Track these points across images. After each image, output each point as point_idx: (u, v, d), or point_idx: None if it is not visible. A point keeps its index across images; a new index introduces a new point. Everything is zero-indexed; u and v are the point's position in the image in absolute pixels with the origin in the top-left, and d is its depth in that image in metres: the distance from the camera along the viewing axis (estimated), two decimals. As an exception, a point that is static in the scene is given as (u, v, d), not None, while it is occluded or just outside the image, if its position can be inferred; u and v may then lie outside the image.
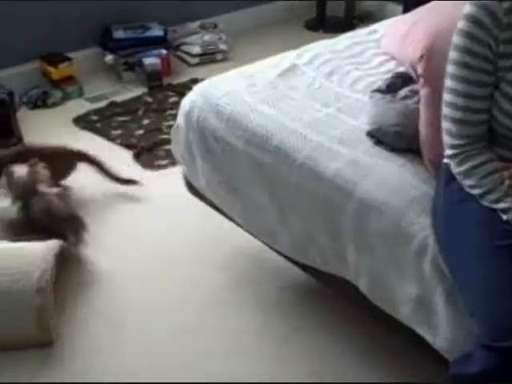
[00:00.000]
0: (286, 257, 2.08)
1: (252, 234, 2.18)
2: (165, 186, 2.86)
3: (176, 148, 2.34)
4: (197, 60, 4.01)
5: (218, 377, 1.95)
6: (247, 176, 2.02)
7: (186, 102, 2.18)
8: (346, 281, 1.85)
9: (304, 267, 2.01)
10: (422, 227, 1.61)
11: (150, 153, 3.14)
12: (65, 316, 2.15)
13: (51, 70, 3.60)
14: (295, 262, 2.04)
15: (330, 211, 1.78)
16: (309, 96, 2.08)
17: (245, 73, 2.24)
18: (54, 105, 3.56)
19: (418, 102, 1.82)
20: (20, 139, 3.21)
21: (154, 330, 2.12)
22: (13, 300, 2.01)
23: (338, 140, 1.85)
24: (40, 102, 3.54)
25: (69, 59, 3.64)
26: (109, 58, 3.80)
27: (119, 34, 3.77)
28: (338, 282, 1.89)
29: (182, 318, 2.17)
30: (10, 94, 3.20)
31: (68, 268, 2.31)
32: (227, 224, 2.30)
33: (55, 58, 3.62)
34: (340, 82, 2.15)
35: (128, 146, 3.20)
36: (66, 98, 3.61)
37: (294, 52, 2.38)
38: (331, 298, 2.13)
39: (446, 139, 1.57)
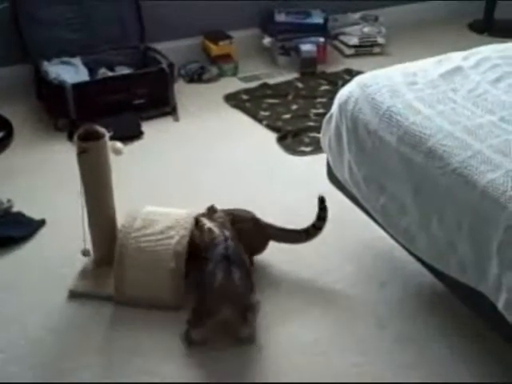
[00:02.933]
0: (419, 260, 2.03)
1: (388, 232, 2.15)
2: (305, 172, 2.88)
3: (325, 137, 2.35)
4: (352, 51, 4.00)
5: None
6: (394, 173, 1.99)
7: (344, 92, 2.18)
8: (476, 292, 1.78)
9: (434, 271, 1.96)
10: None
11: (295, 138, 3.18)
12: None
13: (212, 46, 3.74)
14: (428, 266, 1.99)
15: (478, 221, 1.71)
16: (471, 101, 2.00)
17: (406, 69, 2.20)
18: (209, 80, 3.70)
19: None
20: (174, 109, 3.37)
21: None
22: (153, 260, 2.13)
23: (498, 149, 1.77)
24: (196, 76, 3.70)
25: (229, 37, 3.75)
26: (267, 40, 3.88)
27: (281, 17, 3.85)
28: (467, 292, 1.83)
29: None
30: (171, 65, 3.35)
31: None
32: (363, 217, 2.29)
33: (217, 36, 3.76)
34: (507, 89, 2.05)
35: (274, 129, 3.26)
36: (221, 75, 3.74)
37: (459, 53, 2.31)
38: (457, 306, 2.07)
39: None
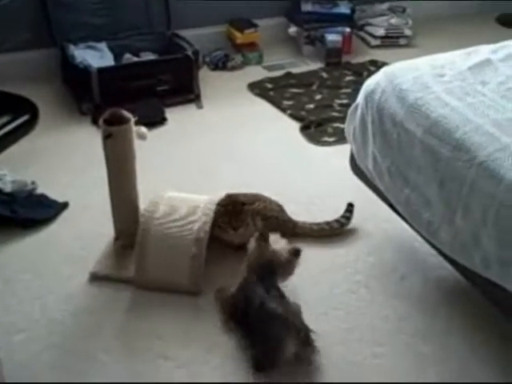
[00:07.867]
0: (440, 253, 2.01)
1: (410, 225, 2.13)
2: (327, 162, 2.87)
3: (349, 127, 2.33)
4: (378, 42, 3.97)
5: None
6: (419, 165, 1.97)
7: (371, 82, 2.16)
8: (499, 287, 1.76)
9: (456, 265, 1.94)
10: None
11: (318, 128, 3.17)
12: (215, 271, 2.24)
13: (237, 34, 3.73)
14: (449, 259, 1.97)
15: (504, 216, 1.69)
16: (500, 94, 1.97)
17: (434, 61, 2.17)
18: (233, 68, 3.70)
19: None
20: (198, 96, 3.37)
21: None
22: (174, 245, 2.14)
23: (527, 144, 1.74)
24: (221, 64, 3.69)
25: (255, 26, 3.74)
26: (292, 29, 3.86)
27: (307, 7, 3.83)
28: (489, 286, 1.81)
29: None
30: (196, 52, 3.34)
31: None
32: (385, 208, 2.27)
33: (242, 24, 3.75)
34: (537, 84, 2.02)
35: (297, 118, 3.25)
36: (246, 63, 3.73)
37: (488, 46, 2.27)
38: (479, 301, 2.06)
39: None
